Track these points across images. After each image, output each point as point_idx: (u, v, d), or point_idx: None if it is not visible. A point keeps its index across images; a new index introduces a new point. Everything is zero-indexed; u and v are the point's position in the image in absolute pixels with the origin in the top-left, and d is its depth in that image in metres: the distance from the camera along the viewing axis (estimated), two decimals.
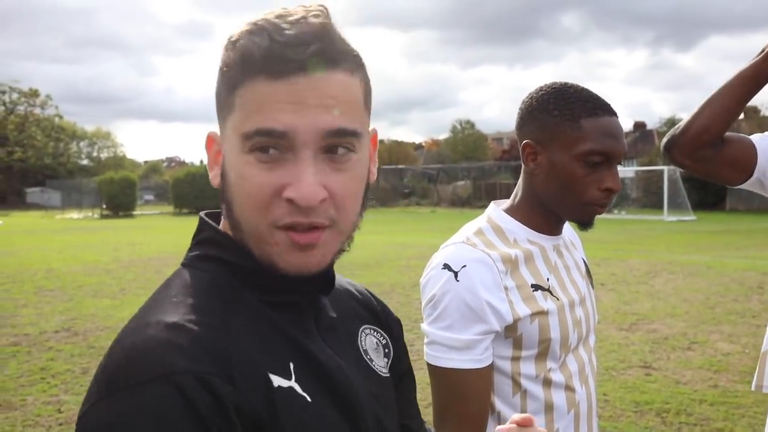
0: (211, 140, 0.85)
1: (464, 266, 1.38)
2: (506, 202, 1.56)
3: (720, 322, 7.71)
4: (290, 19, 0.75)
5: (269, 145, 0.75)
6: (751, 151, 1.76)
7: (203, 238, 0.88)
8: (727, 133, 1.75)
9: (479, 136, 65.56)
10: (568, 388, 1.46)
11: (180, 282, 0.83)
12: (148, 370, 0.69)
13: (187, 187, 42.36)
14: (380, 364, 0.97)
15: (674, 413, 4.84)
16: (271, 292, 0.83)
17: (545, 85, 1.48)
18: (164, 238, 20.60)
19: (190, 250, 0.88)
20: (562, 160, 1.41)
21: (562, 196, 1.43)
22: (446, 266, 1.39)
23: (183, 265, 0.87)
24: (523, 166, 1.50)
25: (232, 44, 0.77)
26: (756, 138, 1.78)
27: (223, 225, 0.87)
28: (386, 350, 1.00)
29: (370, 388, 0.90)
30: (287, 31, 0.74)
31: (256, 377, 0.75)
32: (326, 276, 0.87)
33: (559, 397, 1.44)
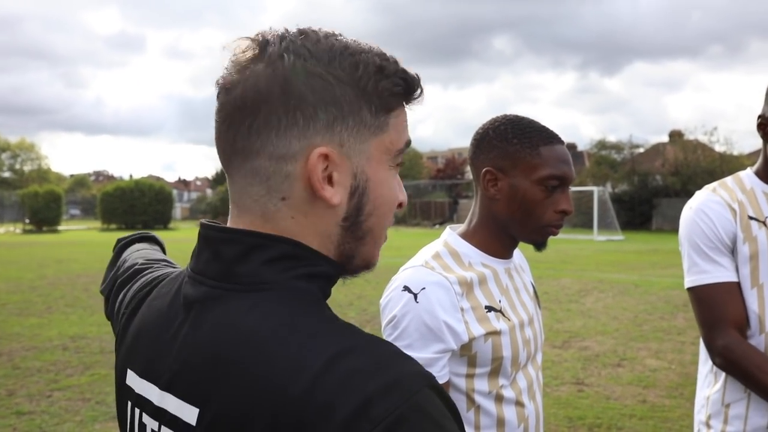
0: (326, 157, 0.79)
1: (423, 288, 1.44)
2: (461, 227, 1.65)
3: (648, 339, 7.97)
4: (394, 57, 0.86)
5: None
6: (738, 292, 1.88)
7: (279, 255, 0.81)
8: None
9: (414, 154, 66.23)
10: (519, 404, 1.53)
11: (301, 307, 0.78)
12: (416, 380, 0.72)
13: (116, 201, 41.37)
14: None
15: (605, 428, 4.98)
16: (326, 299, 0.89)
17: (498, 117, 1.60)
18: (92, 255, 19.99)
19: (263, 270, 0.80)
20: (524, 185, 1.52)
21: (522, 219, 1.54)
22: (406, 288, 1.45)
23: (269, 290, 0.79)
24: (480, 192, 1.59)
25: (381, 69, 0.82)
26: (729, 275, 1.89)
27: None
28: None
29: None
30: (411, 71, 0.86)
31: None
32: None
33: (510, 413, 1.51)
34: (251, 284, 0.80)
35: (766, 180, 1.93)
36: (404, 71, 0.84)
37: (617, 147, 42.55)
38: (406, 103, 0.87)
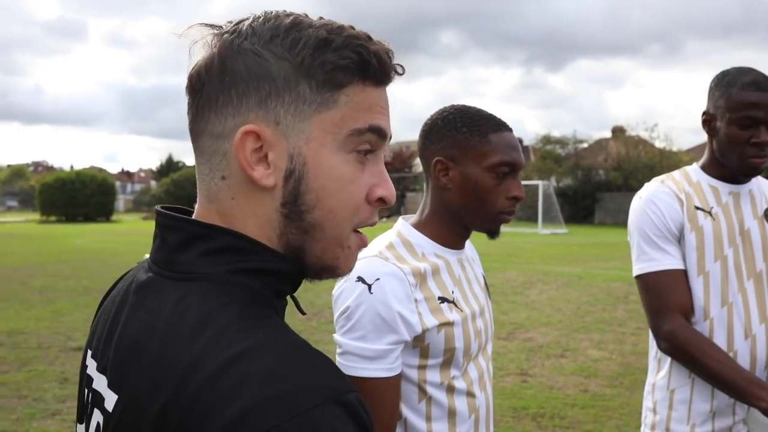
0: (254, 136, 0.77)
1: (378, 279, 1.43)
2: (414, 217, 1.64)
3: (590, 330, 8.14)
4: (364, 33, 0.80)
5: (372, 143, 0.81)
6: (684, 280, 1.94)
7: (220, 247, 0.78)
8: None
9: None
10: (470, 394, 1.54)
11: (229, 300, 0.75)
12: (319, 392, 0.67)
13: (56, 193, 40.29)
14: None
15: (548, 417, 5.07)
16: (283, 297, 0.84)
17: (446, 107, 1.59)
18: (30, 247, 19.43)
19: (201, 261, 0.78)
20: (475, 173, 1.52)
21: (474, 207, 1.54)
22: (360, 279, 1.44)
23: (204, 280, 0.77)
24: (432, 182, 1.59)
25: (325, 43, 0.77)
26: (676, 263, 1.94)
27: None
28: None
29: None
30: (381, 45, 0.80)
31: None
32: None
33: (461, 403, 1.51)
34: (186, 274, 0.78)
35: (711, 173, 1.99)
36: (361, 45, 0.78)
37: (562, 142, 43.30)
38: (366, 80, 0.79)
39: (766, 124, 1.84)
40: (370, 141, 0.80)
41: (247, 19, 0.80)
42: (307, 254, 0.81)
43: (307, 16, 0.80)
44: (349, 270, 0.84)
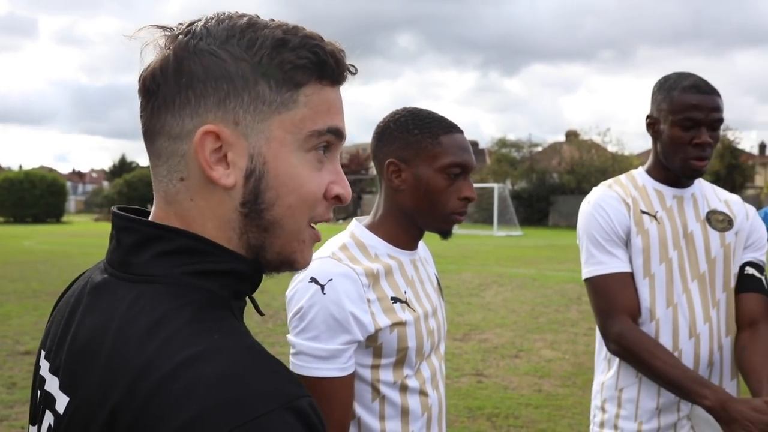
0: (214, 136, 0.77)
1: (330, 280, 1.44)
2: (367, 219, 1.66)
3: (544, 330, 8.27)
4: (317, 33, 0.81)
5: (331, 144, 0.83)
6: (631, 282, 1.99)
7: (175, 248, 0.78)
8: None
9: None
10: (422, 393, 1.56)
11: (183, 303, 0.75)
12: (271, 398, 0.67)
13: (3, 193, 39.25)
14: None
15: (503, 417, 5.13)
16: (242, 298, 0.84)
17: (398, 109, 1.62)
18: None
19: (155, 263, 0.78)
20: (426, 174, 1.54)
21: (427, 208, 1.56)
22: (313, 280, 1.45)
23: (160, 283, 0.77)
24: (385, 184, 1.61)
25: (282, 43, 0.78)
26: (623, 266, 2.00)
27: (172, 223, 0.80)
28: None
29: None
30: (334, 45, 0.82)
31: None
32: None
33: (414, 402, 1.53)
34: (141, 276, 0.78)
35: (656, 177, 2.05)
36: (317, 45, 0.79)
37: (517, 145, 43.81)
38: (323, 80, 0.80)
39: (706, 126, 1.91)
40: (329, 141, 0.82)
41: (200, 20, 0.81)
42: (267, 251, 0.82)
43: (258, 17, 0.81)
44: (307, 263, 0.86)
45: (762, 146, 61.57)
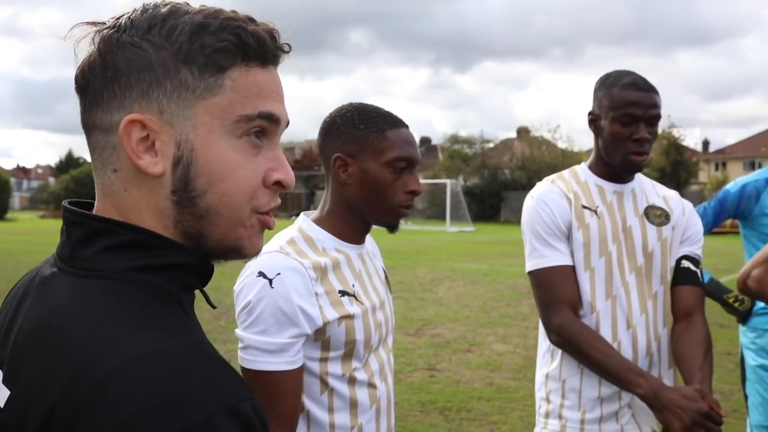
0: (139, 125, 0.77)
1: (278, 274, 1.45)
2: (315, 213, 1.67)
3: (495, 325, 8.40)
4: (244, 15, 0.80)
5: (265, 129, 0.81)
6: (572, 275, 2.05)
7: (121, 242, 0.78)
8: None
9: None
10: (371, 386, 1.58)
11: (127, 298, 0.75)
12: (210, 401, 0.66)
13: None
14: None
15: (456, 410, 5.21)
16: (191, 291, 0.83)
17: (344, 105, 1.64)
18: None
19: (101, 257, 0.78)
20: (373, 168, 1.57)
21: (374, 202, 1.59)
22: (261, 274, 1.46)
23: (104, 278, 0.76)
24: (331, 178, 1.62)
25: (201, 27, 0.77)
26: (564, 259, 2.05)
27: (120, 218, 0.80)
28: None
29: None
30: (263, 25, 0.80)
31: None
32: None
33: (362, 394, 1.56)
34: (87, 270, 0.77)
35: (598, 173, 2.12)
36: (239, 27, 0.78)
37: (469, 141, 44.24)
38: (249, 62, 0.79)
39: (645, 122, 1.98)
40: (261, 126, 0.80)
41: (128, 12, 0.81)
42: (206, 239, 0.81)
43: (187, 4, 0.81)
44: (257, 251, 0.85)
45: (705, 143, 63.37)
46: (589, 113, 2.11)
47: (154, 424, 0.64)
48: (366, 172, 1.57)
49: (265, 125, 0.81)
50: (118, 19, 0.80)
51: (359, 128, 1.57)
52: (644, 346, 2.03)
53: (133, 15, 0.80)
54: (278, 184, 0.82)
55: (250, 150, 0.80)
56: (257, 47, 0.79)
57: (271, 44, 0.81)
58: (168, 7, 0.80)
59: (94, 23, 0.81)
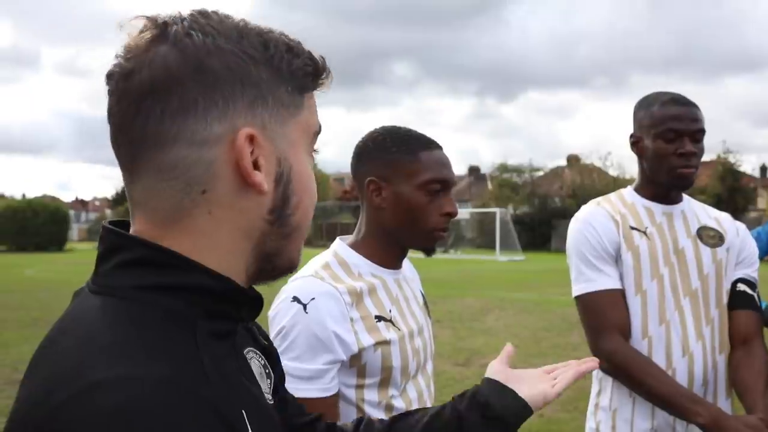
0: (255, 139, 0.74)
1: (313, 299, 1.43)
2: (350, 238, 1.65)
3: (545, 355, 8.20)
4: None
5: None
6: (622, 299, 1.98)
7: (133, 259, 0.74)
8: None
9: (321, 176, 66.20)
10: None
11: (122, 320, 0.69)
12: None
13: (6, 222, 39.33)
14: (266, 390, 0.87)
15: None
16: (222, 319, 0.76)
17: (376, 128, 1.62)
18: None
19: (113, 274, 0.74)
20: (407, 191, 1.54)
21: (409, 226, 1.55)
22: (295, 299, 1.44)
23: (109, 295, 0.72)
24: (366, 203, 1.60)
25: (290, 49, 0.78)
26: (613, 283, 1.99)
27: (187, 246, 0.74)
28: (267, 371, 0.91)
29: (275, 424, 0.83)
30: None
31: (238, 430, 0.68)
32: (260, 297, 0.82)
33: None
34: (100, 287, 0.74)
35: (645, 195, 2.05)
36: (311, 53, 0.81)
37: (518, 170, 43.92)
38: (318, 85, 0.83)
39: (688, 136, 1.92)
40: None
41: (186, 15, 0.75)
42: (281, 257, 0.80)
43: (243, 19, 0.79)
44: (299, 261, 0.86)
45: (763, 168, 61.62)
46: (631, 136, 2.05)
47: None
48: (400, 196, 1.54)
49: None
50: (186, 20, 0.74)
51: (391, 151, 1.55)
52: (701, 374, 1.93)
53: (210, 20, 0.75)
54: None
55: (312, 164, 0.84)
56: (326, 74, 0.83)
57: (329, 72, 0.84)
58: (240, 19, 0.77)
59: (153, 18, 0.74)
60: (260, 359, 0.90)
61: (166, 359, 0.66)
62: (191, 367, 0.67)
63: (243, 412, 0.70)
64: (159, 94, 0.71)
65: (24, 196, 58.37)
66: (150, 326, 0.69)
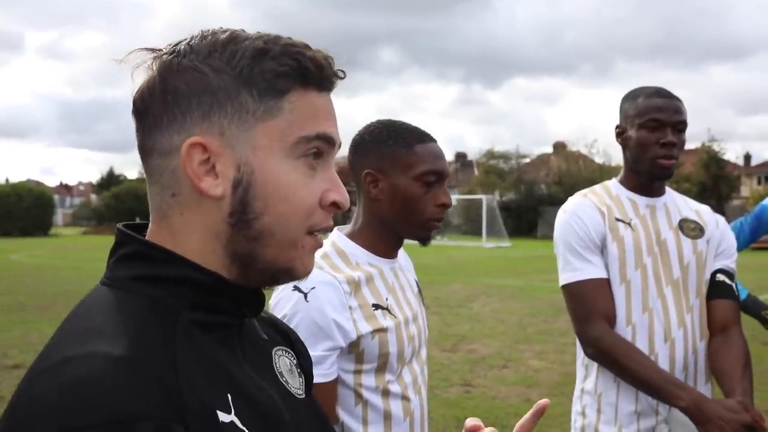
0: (201, 148, 0.79)
1: (313, 288, 1.49)
2: (348, 228, 1.70)
3: (531, 341, 8.31)
4: (301, 42, 0.83)
5: (321, 150, 0.83)
6: (607, 288, 2.04)
7: (129, 253, 0.81)
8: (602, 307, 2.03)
9: None
10: (404, 398, 1.60)
11: (111, 306, 0.77)
12: (100, 411, 0.64)
13: None
14: (295, 385, 0.94)
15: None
16: (213, 312, 0.82)
17: (373, 121, 1.68)
18: None
19: (114, 267, 0.82)
20: (403, 183, 1.59)
21: (405, 216, 1.61)
22: (296, 288, 1.49)
23: (108, 285, 0.80)
24: (363, 194, 1.65)
25: (262, 52, 0.79)
26: (599, 272, 2.05)
27: (162, 238, 0.82)
28: (299, 370, 0.98)
29: (292, 413, 0.87)
30: (319, 52, 0.83)
31: (206, 416, 0.72)
32: (260, 294, 0.87)
33: (396, 407, 1.58)
34: (105, 278, 0.82)
35: (629, 187, 2.12)
36: (299, 53, 0.80)
37: (505, 157, 44.04)
38: (307, 86, 0.81)
39: (671, 126, 1.99)
40: (318, 147, 0.82)
41: (185, 39, 0.83)
42: (257, 260, 0.82)
43: (243, 31, 0.83)
44: (308, 272, 0.85)
45: (747, 157, 62.15)
46: (616, 127, 2.13)
47: (27, 425, 0.65)
48: (396, 187, 1.59)
49: (322, 147, 0.83)
50: (176, 45, 0.82)
51: (388, 144, 1.60)
52: (681, 359, 2.01)
53: (193, 41, 0.81)
54: (334, 204, 0.84)
55: (307, 171, 0.82)
56: (316, 72, 0.81)
57: (328, 70, 0.83)
58: (227, 33, 0.81)
59: (152, 49, 0.83)
60: (292, 358, 0.98)
61: (134, 341, 0.71)
62: (157, 351, 0.72)
63: (228, 396, 0.75)
64: (141, 113, 0.82)
65: (8, 180, 57.86)
66: (132, 313, 0.76)
